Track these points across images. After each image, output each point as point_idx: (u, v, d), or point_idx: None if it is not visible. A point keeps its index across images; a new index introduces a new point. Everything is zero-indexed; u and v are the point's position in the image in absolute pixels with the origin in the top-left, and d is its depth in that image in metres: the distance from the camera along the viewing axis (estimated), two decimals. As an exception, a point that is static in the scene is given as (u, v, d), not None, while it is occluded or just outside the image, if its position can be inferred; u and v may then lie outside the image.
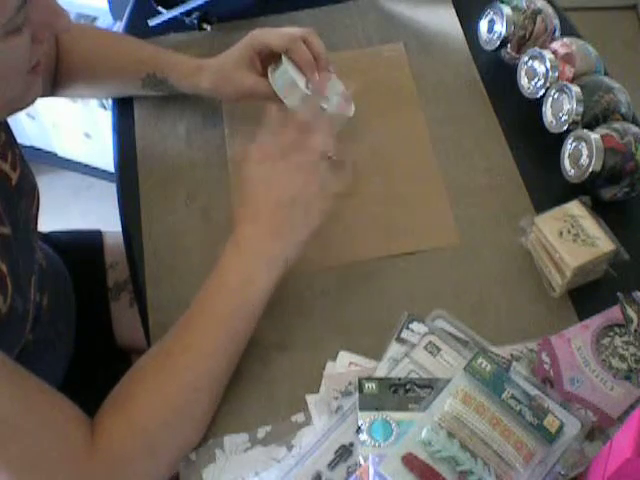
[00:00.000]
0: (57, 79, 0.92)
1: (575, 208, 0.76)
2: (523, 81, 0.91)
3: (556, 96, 0.85)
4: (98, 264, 1.01)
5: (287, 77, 0.84)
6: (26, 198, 0.77)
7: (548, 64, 0.86)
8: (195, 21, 1.02)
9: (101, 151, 1.79)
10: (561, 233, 0.74)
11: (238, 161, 0.75)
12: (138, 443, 0.64)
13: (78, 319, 0.95)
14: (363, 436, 0.64)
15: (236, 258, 0.70)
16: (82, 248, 1.03)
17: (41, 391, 0.62)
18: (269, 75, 0.86)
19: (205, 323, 0.68)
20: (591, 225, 0.74)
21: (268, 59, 0.87)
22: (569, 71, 0.87)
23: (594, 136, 0.79)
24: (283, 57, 0.85)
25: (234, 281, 0.69)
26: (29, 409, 0.60)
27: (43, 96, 0.94)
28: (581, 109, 0.83)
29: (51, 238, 1.01)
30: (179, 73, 0.90)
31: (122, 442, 0.63)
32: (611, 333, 0.70)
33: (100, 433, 0.63)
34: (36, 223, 0.81)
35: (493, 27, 0.94)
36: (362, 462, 0.62)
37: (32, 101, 0.65)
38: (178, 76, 0.90)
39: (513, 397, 0.63)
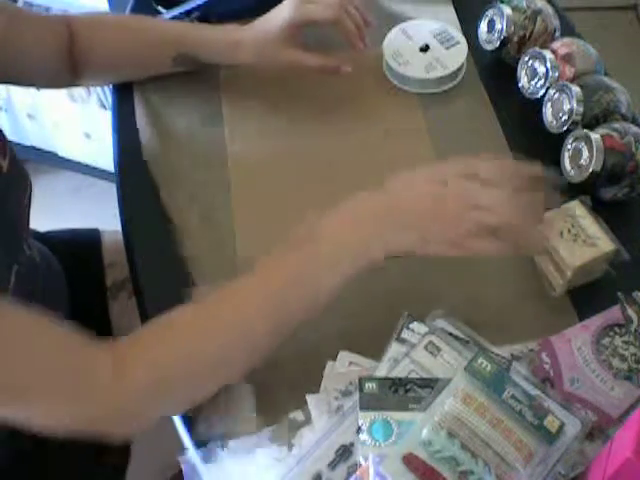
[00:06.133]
0: (79, 70, 0.91)
1: (575, 208, 0.76)
2: (523, 81, 0.91)
3: (556, 96, 0.85)
4: (96, 263, 1.01)
5: None
6: (17, 188, 0.76)
7: (548, 64, 0.86)
8: (195, 21, 1.02)
9: (101, 151, 1.79)
10: (561, 233, 0.74)
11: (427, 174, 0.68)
12: (158, 388, 0.63)
13: (76, 318, 0.95)
14: (363, 436, 0.64)
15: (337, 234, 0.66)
16: (80, 247, 1.03)
17: (48, 318, 0.62)
18: None
19: (266, 292, 0.65)
20: (591, 225, 0.74)
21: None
22: (569, 71, 0.87)
23: (594, 136, 0.79)
24: None
25: (318, 266, 0.66)
26: (37, 329, 0.60)
27: (64, 86, 0.96)
28: (581, 109, 0.83)
29: (48, 238, 1.01)
30: (212, 50, 0.89)
31: (140, 381, 0.62)
32: (611, 333, 0.70)
33: (121, 364, 0.62)
34: (28, 215, 0.80)
35: (493, 27, 0.94)
36: (362, 462, 0.62)
37: None
38: (211, 53, 0.90)
39: (513, 397, 0.63)
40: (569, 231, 0.74)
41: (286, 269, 0.66)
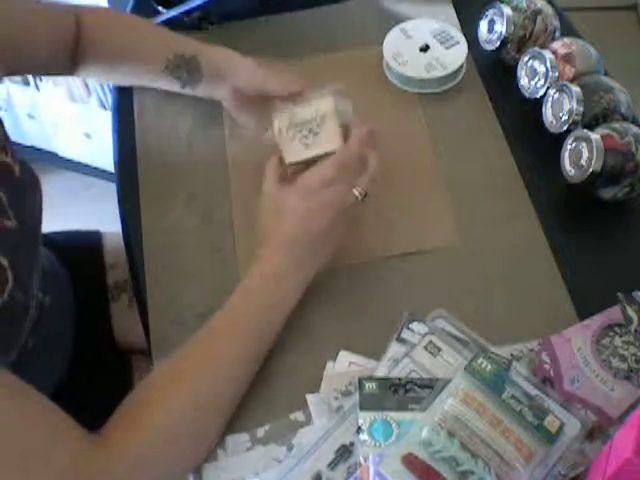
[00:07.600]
0: (78, 60, 0.91)
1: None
2: (523, 81, 0.91)
3: (556, 96, 0.85)
4: (98, 265, 1.01)
5: None
6: (31, 190, 0.77)
7: (548, 64, 0.86)
8: (195, 21, 1.02)
9: (101, 151, 1.79)
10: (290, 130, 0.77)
11: (280, 190, 0.75)
12: (143, 461, 0.63)
13: (78, 319, 0.95)
14: (363, 436, 0.64)
15: (264, 286, 0.72)
16: (81, 249, 1.03)
17: (37, 401, 0.61)
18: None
19: (225, 346, 0.69)
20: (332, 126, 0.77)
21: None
22: (569, 71, 0.87)
23: (594, 136, 0.78)
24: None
25: (259, 306, 0.72)
26: (25, 417, 0.59)
27: (62, 74, 0.95)
28: (581, 109, 0.83)
29: (50, 239, 1.01)
30: (201, 58, 0.89)
31: (126, 454, 0.62)
32: (611, 333, 0.70)
33: (106, 443, 0.62)
34: (41, 216, 0.80)
35: (493, 27, 0.94)
36: (362, 462, 0.62)
37: None
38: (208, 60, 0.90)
39: (513, 397, 0.63)
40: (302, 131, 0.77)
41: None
